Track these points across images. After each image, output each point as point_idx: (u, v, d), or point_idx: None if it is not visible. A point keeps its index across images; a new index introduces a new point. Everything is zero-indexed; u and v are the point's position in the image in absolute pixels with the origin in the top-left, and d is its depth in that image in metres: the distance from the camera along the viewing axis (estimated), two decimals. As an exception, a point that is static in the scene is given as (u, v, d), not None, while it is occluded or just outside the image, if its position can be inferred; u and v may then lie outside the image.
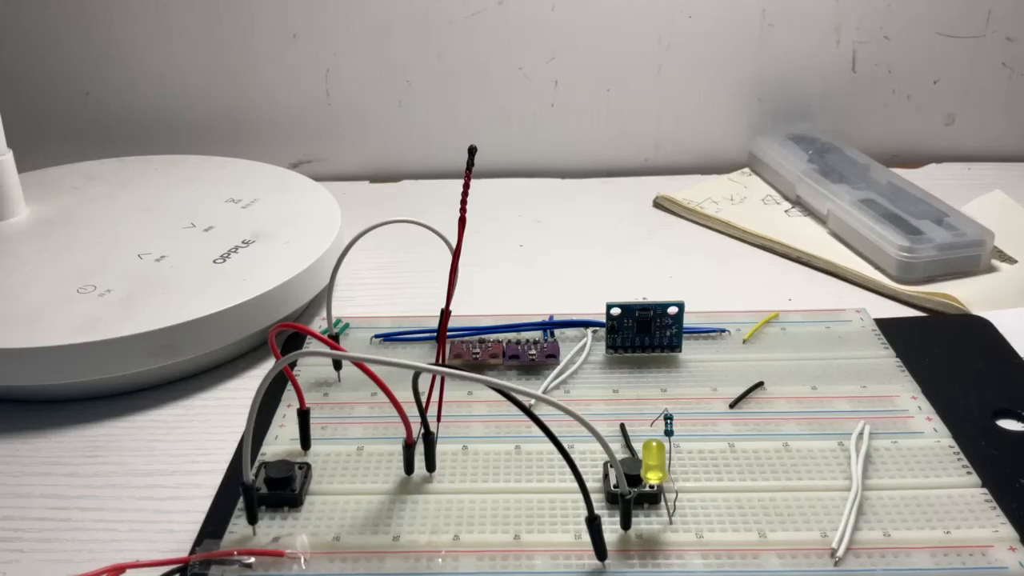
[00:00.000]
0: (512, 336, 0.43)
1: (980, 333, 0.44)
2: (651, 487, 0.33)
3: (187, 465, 0.38)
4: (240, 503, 0.33)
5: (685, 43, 0.65)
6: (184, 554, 0.32)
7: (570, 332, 0.44)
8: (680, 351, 0.42)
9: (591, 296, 0.48)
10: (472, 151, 0.33)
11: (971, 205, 0.57)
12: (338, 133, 0.68)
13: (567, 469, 0.30)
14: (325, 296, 0.42)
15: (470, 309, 0.45)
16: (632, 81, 0.66)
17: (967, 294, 0.48)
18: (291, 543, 0.32)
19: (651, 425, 0.37)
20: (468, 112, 0.67)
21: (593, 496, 0.31)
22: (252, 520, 0.32)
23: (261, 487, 0.33)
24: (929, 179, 0.61)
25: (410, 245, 0.55)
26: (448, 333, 0.40)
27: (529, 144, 0.68)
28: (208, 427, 0.41)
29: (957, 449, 0.36)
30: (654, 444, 0.31)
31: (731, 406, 0.39)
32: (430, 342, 0.44)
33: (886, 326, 0.44)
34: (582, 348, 0.42)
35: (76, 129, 0.67)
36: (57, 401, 0.42)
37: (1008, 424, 0.38)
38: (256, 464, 0.35)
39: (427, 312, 0.45)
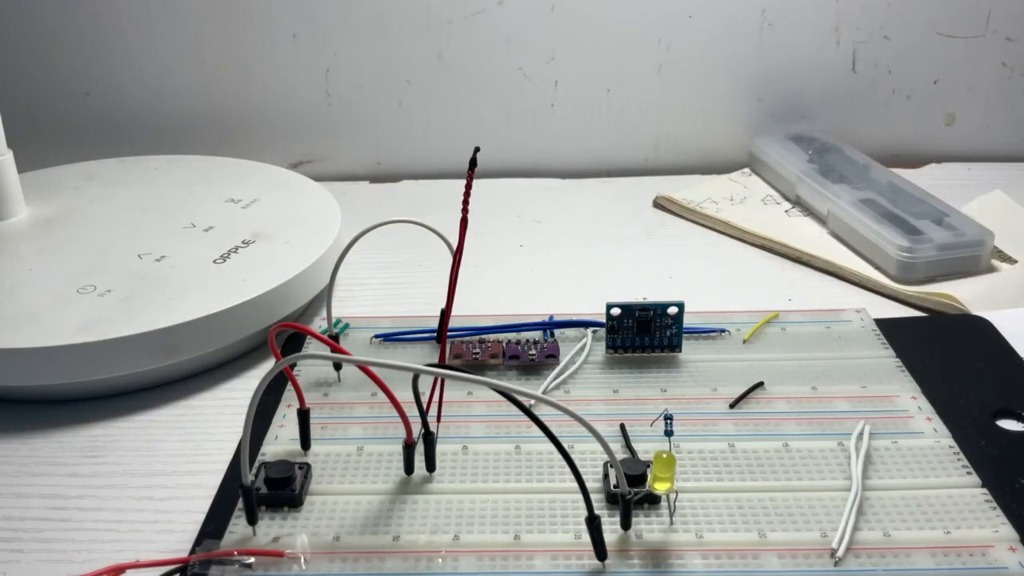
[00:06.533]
0: (512, 336, 0.43)
1: (980, 333, 0.44)
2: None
3: (187, 465, 0.38)
4: (240, 503, 0.33)
5: (685, 43, 0.65)
6: (184, 554, 0.32)
7: (570, 332, 0.44)
8: (680, 351, 0.42)
9: (591, 296, 0.48)
10: (475, 152, 0.33)
11: (971, 205, 0.57)
12: (338, 133, 0.68)
13: (567, 469, 0.30)
14: (325, 296, 0.42)
15: (470, 309, 0.45)
16: (632, 81, 0.66)
17: (967, 294, 0.48)
18: (291, 543, 0.32)
19: (651, 425, 0.37)
20: (468, 112, 0.67)
21: (593, 496, 0.31)
22: (252, 521, 0.32)
23: (261, 487, 0.33)
24: (929, 179, 0.61)
25: (410, 245, 0.55)
26: (448, 333, 0.40)
27: (529, 144, 0.68)
28: (208, 427, 0.41)
29: (957, 449, 0.36)
30: (664, 456, 0.31)
31: (731, 406, 0.39)
32: (430, 342, 0.44)
33: (886, 326, 0.44)
34: (582, 348, 0.42)
35: (76, 129, 0.67)
36: (57, 401, 0.42)
37: (1008, 424, 0.38)
38: (256, 464, 0.35)
39: (427, 312, 0.45)
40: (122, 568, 0.31)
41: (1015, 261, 0.52)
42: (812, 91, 0.67)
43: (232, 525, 0.32)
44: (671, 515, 0.32)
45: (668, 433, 0.34)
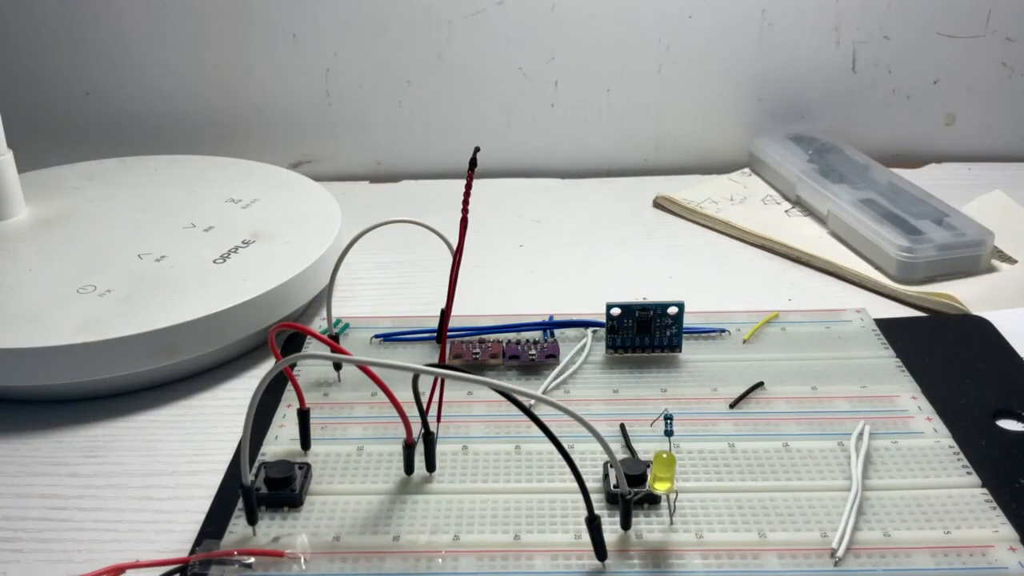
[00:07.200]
0: (512, 336, 0.43)
1: (980, 333, 0.44)
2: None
3: (187, 465, 0.38)
4: (240, 503, 0.33)
5: (685, 43, 0.65)
6: (184, 554, 0.32)
7: (570, 332, 0.44)
8: (680, 351, 0.42)
9: (591, 296, 0.48)
10: (475, 152, 0.33)
11: (971, 205, 0.57)
12: (338, 133, 0.68)
13: (567, 469, 0.30)
14: (325, 296, 0.42)
15: (470, 309, 0.45)
16: (632, 81, 0.66)
17: (967, 294, 0.48)
18: (291, 543, 0.32)
19: (651, 425, 0.37)
20: (468, 112, 0.67)
21: (593, 496, 0.31)
22: (252, 521, 0.32)
23: (261, 487, 0.33)
24: (929, 179, 0.61)
25: (410, 245, 0.55)
26: (448, 333, 0.40)
27: (529, 144, 0.68)
28: (208, 427, 0.41)
29: (957, 449, 0.36)
30: (664, 456, 0.31)
31: (731, 406, 0.39)
32: (430, 342, 0.44)
33: (886, 326, 0.44)
34: (582, 348, 0.42)
35: (76, 129, 0.67)
36: (57, 401, 0.42)
37: (1008, 424, 0.38)
38: (256, 464, 0.35)
39: (427, 312, 0.45)
40: (122, 568, 0.31)
41: (1015, 261, 0.52)
42: (812, 91, 0.67)
43: (232, 525, 0.32)
44: (671, 515, 0.32)
45: (668, 433, 0.34)
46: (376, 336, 0.44)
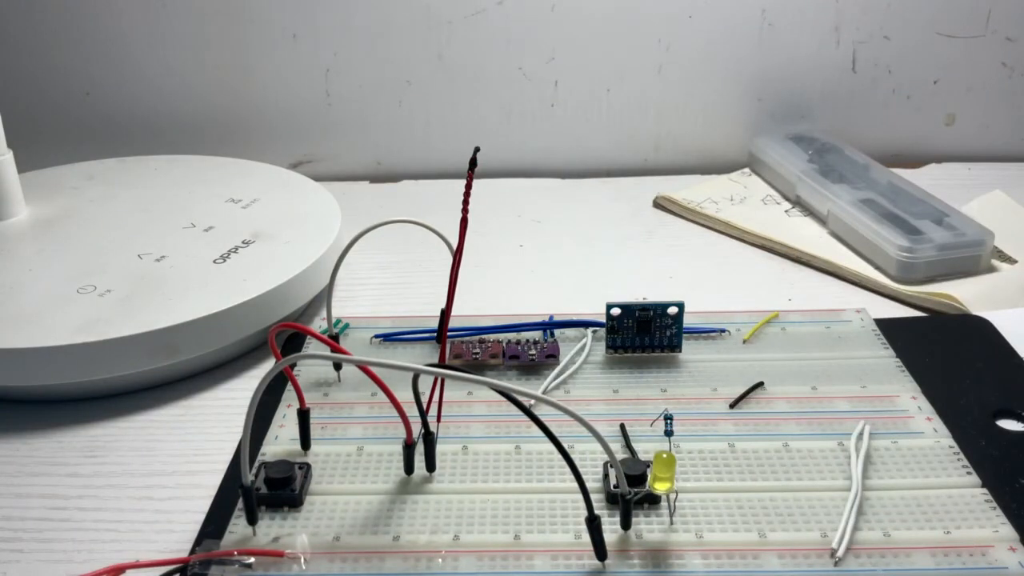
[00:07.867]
0: (512, 336, 0.43)
1: (980, 333, 0.44)
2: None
3: (187, 465, 0.38)
4: (240, 503, 0.33)
5: (685, 43, 0.65)
6: (184, 554, 0.32)
7: (570, 332, 0.44)
8: (680, 351, 0.42)
9: (591, 296, 0.48)
10: (476, 152, 0.33)
11: (971, 205, 0.57)
12: (338, 133, 0.68)
13: (567, 469, 0.30)
14: (325, 296, 0.42)
15: (470, 309, 0.45)
16: (632, 81, 0.66)
17: (967, 294, 0.48)
18: (291, 543, 0.32)
19: (651, 425, 0.37)
20: (468, 112, 0.67)
21: (593, 496, 0.31)
22: (252, 521, 0.32)
23: (261, 487, 0.33)
24: (929, 179, 0.61)
25: (410, 245, 0.55)
26: (448, 333, 0.40)
27: (529, 144, 0.68)
28: (208, 427, 0.41)
29: (957, 449, 0.36)
30: (664, 456, 0.31)
31: (731, 406, 0.39)
32: (430, 342, 0.44)
33: (886, 326, 0.44)
34: (582, 348, 0.42)
35: (76, 129, 0.67)
36: (57, 401, 0.42)
37: (1008, 424, 0.38)
38: (256, 464, 0.35)
39: (427, 312, 0.45)
40: (122, 568, 0.31)
41: (1015, 261, 0.52)
42: (812, 91, 0.67)
43: (232, 525, 0.32)
44: (671, 515, 0.32)
45: (668, 433, 0.34)
46: (376, 336, 0.44)
